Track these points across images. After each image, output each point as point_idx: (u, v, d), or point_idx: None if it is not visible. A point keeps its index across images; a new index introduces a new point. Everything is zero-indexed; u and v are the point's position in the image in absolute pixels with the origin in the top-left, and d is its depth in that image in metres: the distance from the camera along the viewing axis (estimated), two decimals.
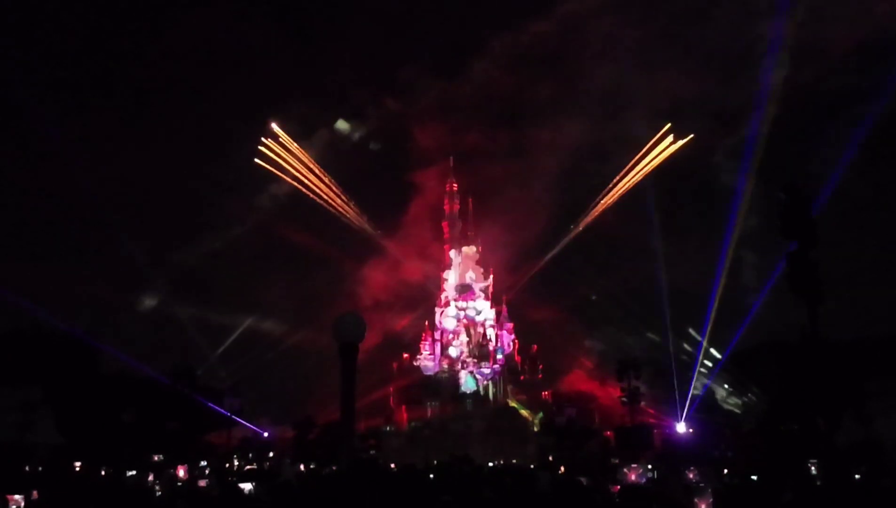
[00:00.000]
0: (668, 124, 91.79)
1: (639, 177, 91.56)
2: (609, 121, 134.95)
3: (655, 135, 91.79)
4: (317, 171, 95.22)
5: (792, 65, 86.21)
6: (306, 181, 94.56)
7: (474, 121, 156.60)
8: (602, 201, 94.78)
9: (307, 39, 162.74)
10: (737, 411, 68.37)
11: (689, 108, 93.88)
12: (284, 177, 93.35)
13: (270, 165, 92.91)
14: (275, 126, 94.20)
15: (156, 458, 55.72)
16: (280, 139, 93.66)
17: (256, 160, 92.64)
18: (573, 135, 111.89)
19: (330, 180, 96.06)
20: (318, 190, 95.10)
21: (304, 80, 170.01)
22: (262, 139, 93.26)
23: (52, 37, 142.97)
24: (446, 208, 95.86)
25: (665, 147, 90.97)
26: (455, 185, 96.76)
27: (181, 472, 48.43)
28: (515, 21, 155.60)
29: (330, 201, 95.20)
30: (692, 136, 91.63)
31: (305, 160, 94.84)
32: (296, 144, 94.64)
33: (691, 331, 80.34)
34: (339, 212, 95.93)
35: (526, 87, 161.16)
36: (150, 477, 42.92)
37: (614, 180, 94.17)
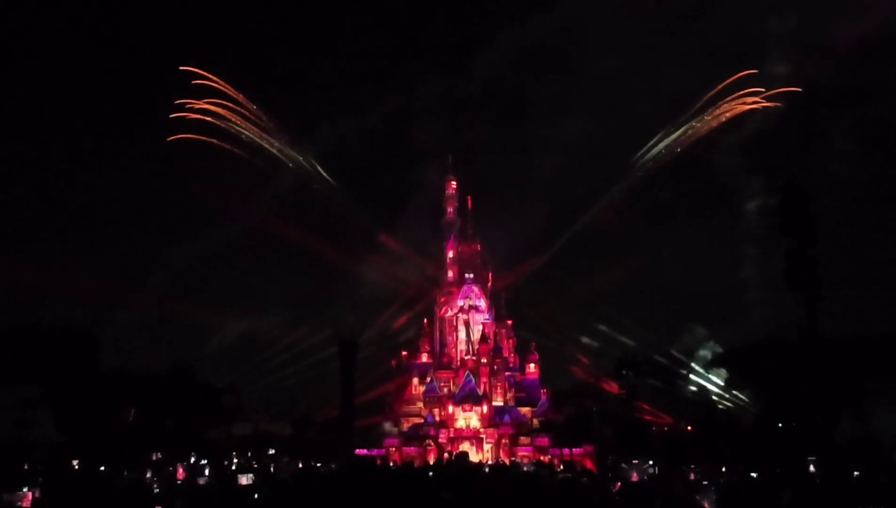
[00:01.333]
0: (755, 71, 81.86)
1: (713, 123, 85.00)
2: (611, 117, 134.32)
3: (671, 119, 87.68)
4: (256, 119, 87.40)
5: (797, 61, 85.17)
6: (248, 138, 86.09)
7: (476, 117, 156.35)
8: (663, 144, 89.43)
9: (310, 32, 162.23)
10: (735, 408, 68.39)
11: (693, 102, 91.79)
12: (223, 144, 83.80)
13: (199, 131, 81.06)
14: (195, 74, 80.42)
15: (155, 457, 55.71)
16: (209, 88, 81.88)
17: (171, 138, 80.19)
18: (575, 131, 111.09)
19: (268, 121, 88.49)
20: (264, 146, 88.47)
21: (306, 73, 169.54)
22: (178, 102, 79.45)
23: (50, 37, 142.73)
24: (445, 205, 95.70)
25: (739, 97, 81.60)
26: (454, 183, 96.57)
27: (180, 471, 48.43)
28: (520, 16, 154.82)
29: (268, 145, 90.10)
30: (797, 89, 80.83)
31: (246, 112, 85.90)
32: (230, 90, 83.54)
33: (689, 328, 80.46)
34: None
35: (529, 82, 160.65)
36: (149, 475, 42.89)
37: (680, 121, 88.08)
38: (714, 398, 71.35)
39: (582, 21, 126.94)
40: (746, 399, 65.40)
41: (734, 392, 68.55)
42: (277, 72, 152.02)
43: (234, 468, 55.97)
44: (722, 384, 71.26)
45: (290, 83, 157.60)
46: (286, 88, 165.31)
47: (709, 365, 73.76)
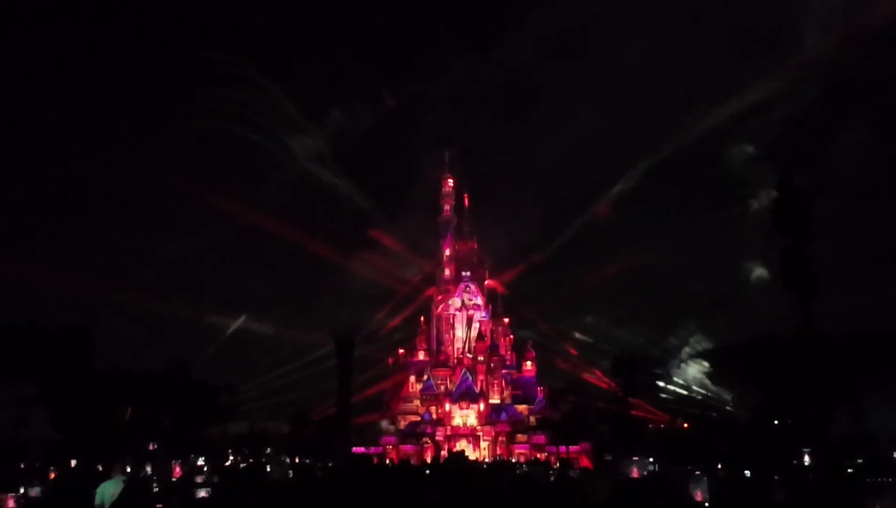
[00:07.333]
0: (777, 58, 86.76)
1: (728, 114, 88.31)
2: (624, 108, 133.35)
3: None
4: None
5: (821, 49, 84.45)
6: None
7: (484, 110, 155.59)
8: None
9: (316, 24, 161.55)
10: (730, 406, 68.56)
11: (709, 93, 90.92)
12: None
13: None
14: None
15: (152, 446, 55.59)
16: None
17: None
18: (584, 123, 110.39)
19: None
20: None
21: (309, 62, 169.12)
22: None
23: (47, 35, 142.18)
24: (441, 203, 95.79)
25: None
26: (451, 180, 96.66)
27: (177, 469, 48.31)
28: (544, 2, 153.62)
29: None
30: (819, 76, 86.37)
31: None
32: None
33: (686, 324, 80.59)
34: None
35: (544, 70, 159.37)
36: (149, 470, 42.79)
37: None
38: (707, 394, 71.56)
39: (604, 6, 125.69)
40: (741, 396, 65.58)
41: (729, 389, 68.75)
42: (287, 56, 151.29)
43: (230, 466, 55.87)
44: (709, 379, 71.45)
45: (295, 68, 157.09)
46: (292, 73, 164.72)
47: (695, 360, 73.95)
